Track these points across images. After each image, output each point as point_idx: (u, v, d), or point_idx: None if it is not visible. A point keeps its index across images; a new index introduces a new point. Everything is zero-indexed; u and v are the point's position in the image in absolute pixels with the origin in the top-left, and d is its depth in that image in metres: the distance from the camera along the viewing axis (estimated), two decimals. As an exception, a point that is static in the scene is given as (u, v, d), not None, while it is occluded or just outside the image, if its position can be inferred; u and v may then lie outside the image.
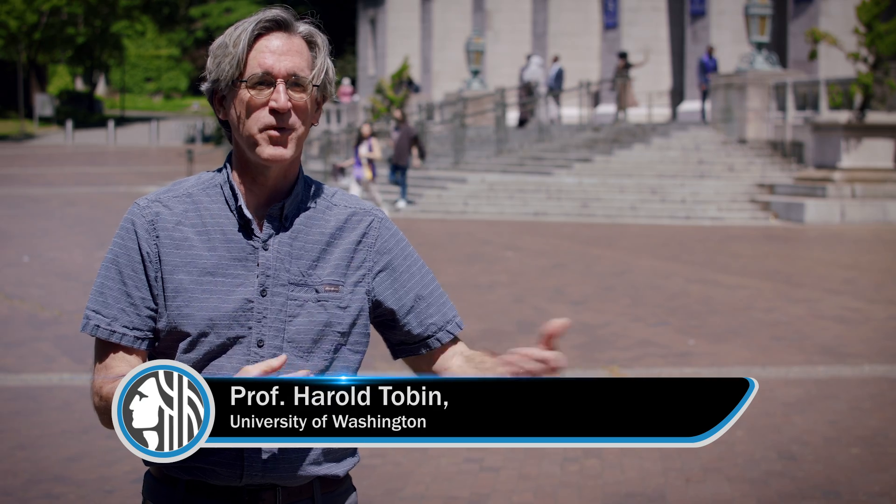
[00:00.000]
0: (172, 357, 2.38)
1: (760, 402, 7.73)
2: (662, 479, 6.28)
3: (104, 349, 2.41)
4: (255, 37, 2.38)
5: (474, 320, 10.91)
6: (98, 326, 2.40)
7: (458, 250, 17.58)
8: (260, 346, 2.38)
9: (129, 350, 2.39)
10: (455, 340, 2.57)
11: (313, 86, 2.40)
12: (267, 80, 2.36)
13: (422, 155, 25.16)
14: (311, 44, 2.43)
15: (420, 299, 2.52)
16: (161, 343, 2.41)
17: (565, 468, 6.47)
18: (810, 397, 8.18)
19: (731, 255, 16.88)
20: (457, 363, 2.52)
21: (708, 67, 30.58)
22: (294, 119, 2.37)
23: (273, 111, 2.35)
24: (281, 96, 2.35)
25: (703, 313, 11.72)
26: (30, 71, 65.41)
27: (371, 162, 23.71)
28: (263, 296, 2.39)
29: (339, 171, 27.39)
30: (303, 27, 2.43)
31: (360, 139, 23.84)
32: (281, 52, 2.37)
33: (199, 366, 2.37)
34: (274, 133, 2.36)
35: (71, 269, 14.92)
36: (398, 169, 24.60)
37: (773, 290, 13.38)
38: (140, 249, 2.40)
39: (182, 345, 2.38)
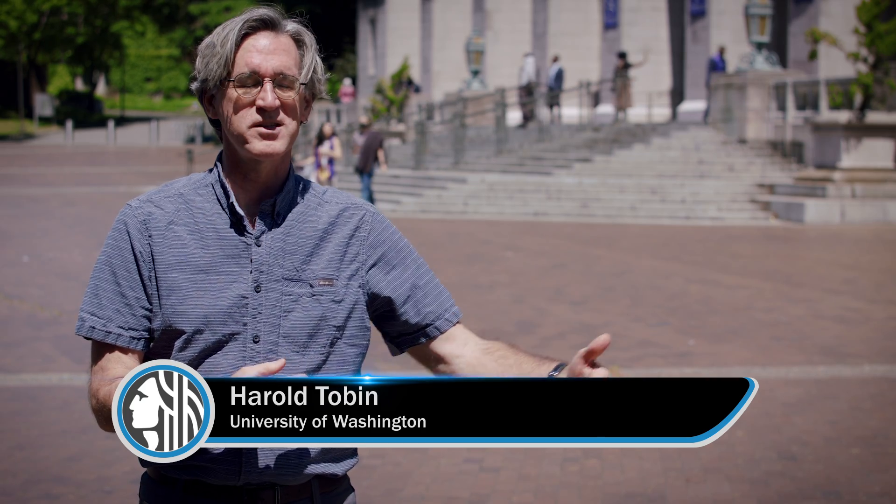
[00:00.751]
0: (168, 356, 2.39)
1: (760, 403, 7.73)
2: (662, 479, 6.27)
3: (100, 351, 2.42)
4: (243, 36, 2.40)
5: (474, 320, 10.91)
6: (93, 328, 2.41)
7: (458, 250, 17.58)
8: (255, 342, 2.38)
9: (124, 350, 2.40)
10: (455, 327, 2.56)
11: (301, 84, 2.41)
12: (254, 79, 2.37)
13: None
14: (298, 42, 2.44)
15: (416, 288, 2.52)
16: (156, 342, 2.42)
17: (565, 468, 6.47)
18: (810, 397, 8.18)
19: (731, 255, 16.88)
20: (471, 353, 2.51)
21: (718, 67, 30.56)
22: (282, 116, 2.39)
23: (261, 109, 2.37)
24: (268, 95, 2.36)
25: (703, 313, 11.72)
26: (30, 71, 65.41)
27: (331, 162, 23.45)
28: (258, 292, 2.39)
29: (298, 170, 27.23)
30: (290, 26, 2.44)
31: (322, 139, 23.55)
32: (268, 50, 2.38)
33: (195, 363, 2.37)
34: (263, 129, 2.37)
35: (70, 269, 14.92)
36: (363, 175, 24.14)
37: (773, 290, 13.38)
38: (133, 249, 2.41)
39: (177, 343, 2.39)
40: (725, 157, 26.09)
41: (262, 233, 2.42)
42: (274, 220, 2.43)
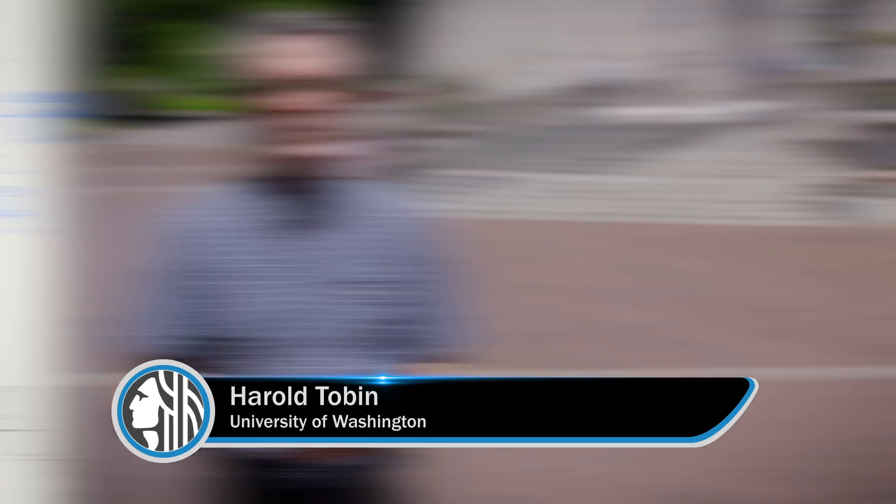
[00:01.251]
0: (216, 364, 2.36)
1: (818, 403, 7.70)
2: (712, 478, 6.18)
3: (141, 359, 2.38)
4: (270, 42, 2.35)
5: (521, 322, 10.86)
6: (136, 337, 2.40)
7: (508, 250, 17.56)
8: (303, 346, 2.35)
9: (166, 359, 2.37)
10: None
11: (336, 81, 2.36)
12: (286, 85, 2.33)
13: None
14: (328, 39, 2.39)
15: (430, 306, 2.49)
16: (203, 350, 2.39)
17: (616, 467, 6.38)
18: (871, 398, 8.08)
19: (790, 256, 16.76)
20: None
21: (780, 66, 30.55)
22: (320, 118, 2.34)
23: (297, 113, 2.32)
24: (300, 99, 2.32)
25: (762, 314, 11.62)
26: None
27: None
28: (305, 295, 2.35)
29: None
30: (317, 24, 2.39)
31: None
32: (296, 54, 2.34)
33: (243, 370, 2.34)
34: (299, 133, 2.33)
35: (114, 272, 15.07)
36: (390, 179, 24.19)
37: (835, 290, 13.25)
38: (178, 256, 2.38)
39: (225, 350, 2.36)
40: (786, 157, 25.92)
41: (309, 235, 2.38)
42: (320, 221, 2.39)
